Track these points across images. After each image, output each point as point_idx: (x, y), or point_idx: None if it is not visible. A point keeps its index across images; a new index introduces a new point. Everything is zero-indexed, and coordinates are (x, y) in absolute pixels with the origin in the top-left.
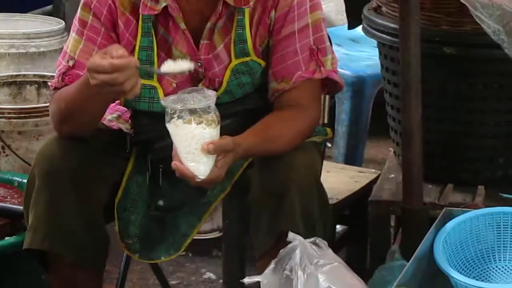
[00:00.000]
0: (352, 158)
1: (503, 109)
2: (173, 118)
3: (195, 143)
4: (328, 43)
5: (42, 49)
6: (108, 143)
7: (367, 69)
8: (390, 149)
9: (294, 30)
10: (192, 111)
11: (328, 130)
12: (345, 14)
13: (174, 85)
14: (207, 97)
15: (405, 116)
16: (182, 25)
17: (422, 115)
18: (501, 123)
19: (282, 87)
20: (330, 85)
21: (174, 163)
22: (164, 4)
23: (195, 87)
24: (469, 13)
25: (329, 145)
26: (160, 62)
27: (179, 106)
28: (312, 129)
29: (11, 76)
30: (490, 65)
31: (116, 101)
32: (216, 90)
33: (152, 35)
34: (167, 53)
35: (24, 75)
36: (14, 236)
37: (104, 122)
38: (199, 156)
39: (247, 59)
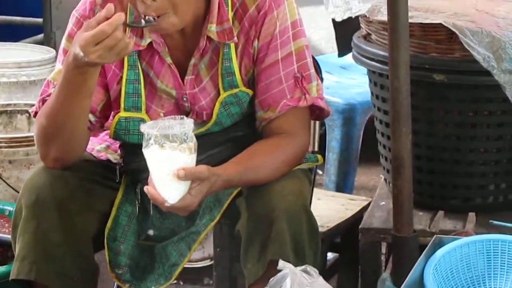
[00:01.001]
0: (343, 185)
1: (493, 135)
2: (149, 143)
3: (167, 168)
4: (313, 70)
5: (33, 78)
6: (96, 173)
7: (358, 96)
8: (381, 176)
9: (278, 59)
10: (168, 137)
11: (319, 156)
12: (335, 42)
13: (162, 115)
14: (184, 125)
15: (395, 144)
16: (168, 60)
17: (412, 142)
18: (491, 149)
19: (269, 116)
20: (317, 112)
21: (146, 188)
22: (149, 40)
23: (175, 116)
24: (459, 40)
25: (320, 172)
26: (147, 95)
27: (155, 131)
28: (301, 156)
29: (2, 105)
30: (479, 92)
31: (105, 132)
32: (204, 122)
33: (138, 68)
34: (150, 87)
35: (15, 104)
36: (5, 266)
37: (92, 153)
38: (171, 181)
39: (236, 90)
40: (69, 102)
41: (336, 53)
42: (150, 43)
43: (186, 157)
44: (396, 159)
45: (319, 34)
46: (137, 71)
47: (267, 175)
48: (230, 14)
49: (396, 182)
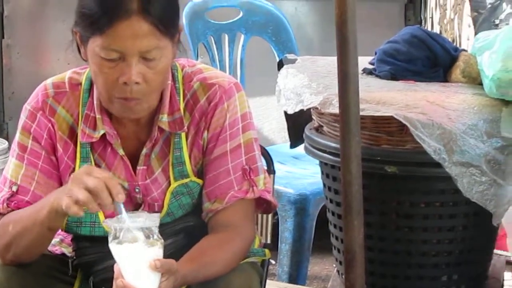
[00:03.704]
0: (296, 275)
1: (445, 227)
2: (116, 238)
3: (141, 261)
4: (261, 163)
5: None
6: (51, 267)
7: (310, 186)
8: (334, 265)
9: (227, 150)
10: (136, 230)
11: (267, 251)
12: (287, 132)
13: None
14: (150, 217)
15: (347, 236)
16: (121, 151)
17: (364, 234)
18: (443, 241)
19: (216, 207)
20: (264, 205)
21: (121, 281)
22: (102, 132)
23: (135, 211)
24: (410, 132)
25: (273, 262)
26: None
27: (124, 226)
28: (248, 249)
29: None
30: (431, 184)
31: None
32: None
33: (91, 160)
34: None
35: None
36: None
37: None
38: (146, 273)
39: (186, 180)
40: (41, 227)
41: (288, 143)
42: (103, 135)
43: (157, 250)
44: (349, 252)
45: (271, 125)
46: (89, 163)
47: (218, 271)
48: (182, 105)
49: (349, 275)
